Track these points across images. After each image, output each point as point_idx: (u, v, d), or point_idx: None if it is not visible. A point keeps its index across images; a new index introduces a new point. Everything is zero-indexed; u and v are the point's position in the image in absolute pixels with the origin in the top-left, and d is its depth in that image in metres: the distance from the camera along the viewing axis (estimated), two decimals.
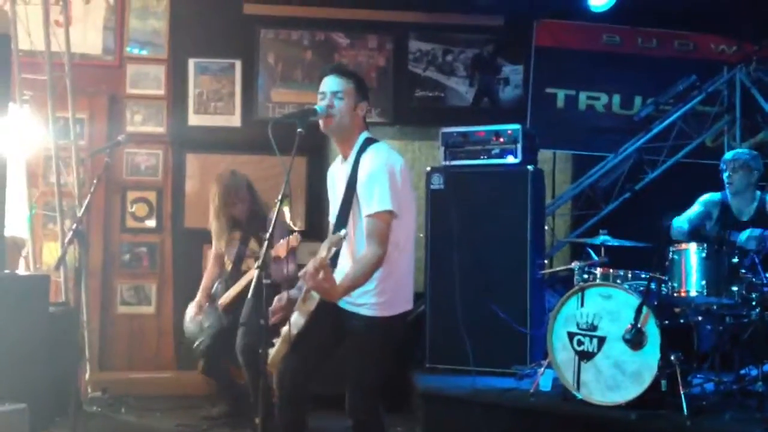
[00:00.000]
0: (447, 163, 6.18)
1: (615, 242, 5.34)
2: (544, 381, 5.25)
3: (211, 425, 5.78)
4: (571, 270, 5.42)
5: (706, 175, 5.86)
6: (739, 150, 5.84)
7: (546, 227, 6.56)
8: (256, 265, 3.43)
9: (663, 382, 4.66)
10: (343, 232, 3.45)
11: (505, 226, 5.95)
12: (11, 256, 6.04)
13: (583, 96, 7.49)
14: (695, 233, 5.49)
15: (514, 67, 7.64)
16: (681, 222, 5.57)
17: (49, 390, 5.24)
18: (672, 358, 4.64)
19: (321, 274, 3.35)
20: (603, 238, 5.37)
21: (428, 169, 6.25)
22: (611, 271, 5.18)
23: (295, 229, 5.84)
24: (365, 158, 3.65)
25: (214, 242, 5.89)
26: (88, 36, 7.25)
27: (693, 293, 4.96)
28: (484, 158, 6.11)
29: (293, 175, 3.55)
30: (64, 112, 6.54)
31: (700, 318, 5.13)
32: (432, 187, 6.17)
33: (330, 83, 3.71)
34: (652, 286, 4.91)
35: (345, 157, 3.78)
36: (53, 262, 6.58)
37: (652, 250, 5.18)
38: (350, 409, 3.70)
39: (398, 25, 7.57)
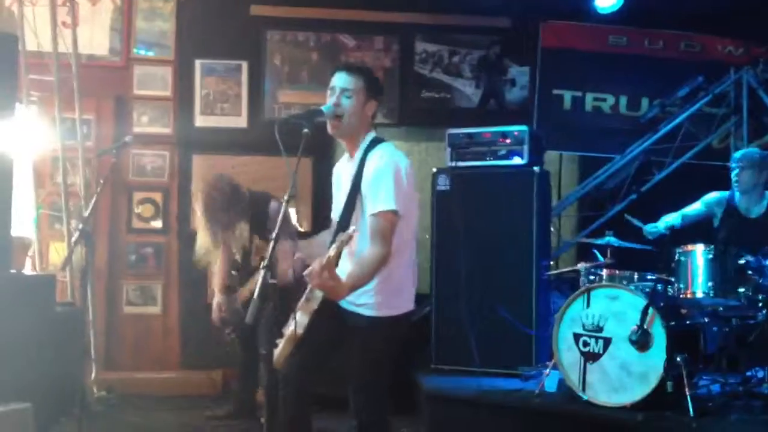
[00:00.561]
0: (453, 164, 6.17)
1: (621, 243, 5.33)
2: (550, 382, 5.24)
3: (217, 425, 5.79)
4: (577, 271, 5.42)
5: (712, 176, 5.86)
6: (750, 149, 5.85)
7: (552, 228, 6.56)
8: (262, 265, 3.41)
9: (669, 384, 4.65)
10: (352, 229, 3.43)
11: (511, 227, 5.95)
12: (18, 256, 6.05)
13: (589, 97, 7.49)
14: (696, 232, 5.48)
15: (521, 69, 7.64)
16: (672, 219, 5.55)
17: (54, 390, 5.24)
18: (678, 359, 4.63)
19: (326, 273, 3.36)
20: (609, 240, 5.36)
21: (434, 170, 6.25)
22: (617, 272, 5.18)
23: (301, 229, 5.83)
24: (371, 157, 3.65)
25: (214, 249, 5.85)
26: (95, 37, 7.28)
27: (699, 295, 4.95)
28: (490, 159, 6.11)
29: (299, 175, 3.55)
30: (71, 112, 6.56)
31: (706, 319, 5.13)
32: (438, 188, 6.17)
33: (340, 79, 3.70)
34: (659, 287, 4.90)
35: (351, 156, 3.78)
36: (59, 262, 6.61)
37: (658, 251, 5.18)
38: (355, 409, 3.70)
39: (404, 27, 7.57)
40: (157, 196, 7.30)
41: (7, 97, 5.38)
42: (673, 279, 5.07)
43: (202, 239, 5.55)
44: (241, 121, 7.43)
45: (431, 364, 6.08)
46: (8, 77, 5.37)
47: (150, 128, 7.30)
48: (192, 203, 7.16)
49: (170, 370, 7.08)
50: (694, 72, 7.13)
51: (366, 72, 3.80)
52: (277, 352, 3.64)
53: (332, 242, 3.52)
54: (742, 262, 4.90)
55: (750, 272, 4.88)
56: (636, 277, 5.14)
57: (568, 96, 7.48)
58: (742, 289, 4.86)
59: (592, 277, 5.26)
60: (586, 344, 4.96)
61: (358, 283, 3.50)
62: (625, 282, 5.07)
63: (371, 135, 3.75)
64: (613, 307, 4.91)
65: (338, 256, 3.38)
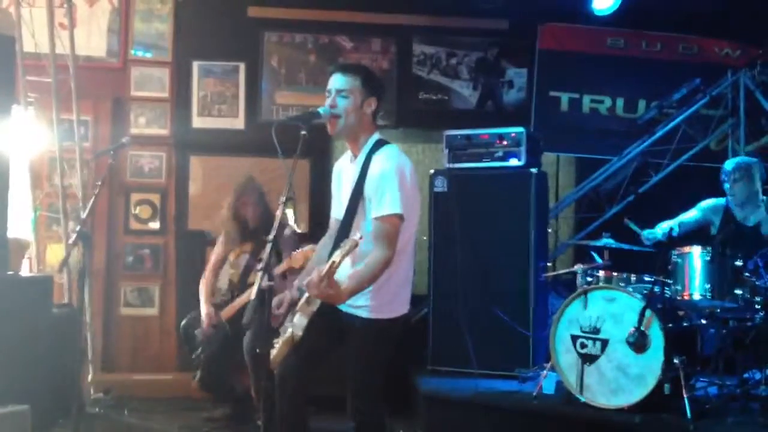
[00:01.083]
0: (450, 165, 6.18)
1: (618, 245, 5.33)
2: (547, 384, 5.24)
3: (214, 427, 5.78)
4: (575, 273, 5.42)
5: (710, 178, 5.85)
6: (738, 159, 5.78)
7: (549, 230, 6.55)
8: (259, 266, 3.41)
9: (666, 386, 4.66)
10: (358, 236, 3.42)
11: (509, 229, 5.95)
12: (15, 258, 6.04)
13: (586, 99, 7.49)
14: (694, 238, 5.48)
15: (518, 71, 7.64)
16: (669, 225, 5.55)
17: (51, 391, 5.24)
18: (675, 361, 4.64)
19: (324, 282, 3.35)
20: (606, 241, 5.36)
21: (432, 171, 6.25)
22: (615, 274, 5.18)
23: (299, 230, 5.82)
24: (376, 160, 3.64)
25: (218, 248, 5.89)
26: (93, 38, 7.27)
27: (696, 296, 4.96)
28: (487, 161, 6.11)
29: (297, 177, 3.55)
30: (69, 114, 6.56)
31: (703, 321, 5.13)
32: (435, 189, 6.17)
33: (335, 81, 3.70)
34: (656, 289, 4.91)
35: (355, 156, 3.77)
36: (57, 263, 6.60)
37: (655, 253, 5.18)
38: (352, 411, 3.71)
39: (402, 29, 7.57)
40: (155, 198, 7.29)
41: (5, 99, 5.39)
42: (670, 281, 5.07)
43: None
44: (238, 123, 7.43)
45: (428, 365, 6.07)
46: (5, 79, 5.37)
47: (147, 129, 7.29)
48: (189, 204, 7.22)
49: (168, 371, 7.07)
50: (692, 74, 7.14)
51: (362, 70, 3.80)
52: (274, 353, 3.64)
53: (334, 248, 3.52)
54: (739, 264, 4.90)
55: (747, 274, 4.89)
56: (633, 278, 5.14)
57: (565, 98, 7.48)
58: (739, 291, 4.87)
59: (589, 279, 5.26)
60: (583, 346, 4.97)
61: (360, 286, 3.50)
62: (622, 284, 5.08)
63: (375, 136, 3.74)
64: (611, 308, 4.91)
65: (340, 263, 3.37)
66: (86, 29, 7.20)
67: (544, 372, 5.24)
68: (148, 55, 7.35)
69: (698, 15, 7.08)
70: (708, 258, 4.95)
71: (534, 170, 6.00)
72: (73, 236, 4.38)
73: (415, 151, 7.52)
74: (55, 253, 6.82)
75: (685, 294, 4.99)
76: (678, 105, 7.17)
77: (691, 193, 5.89)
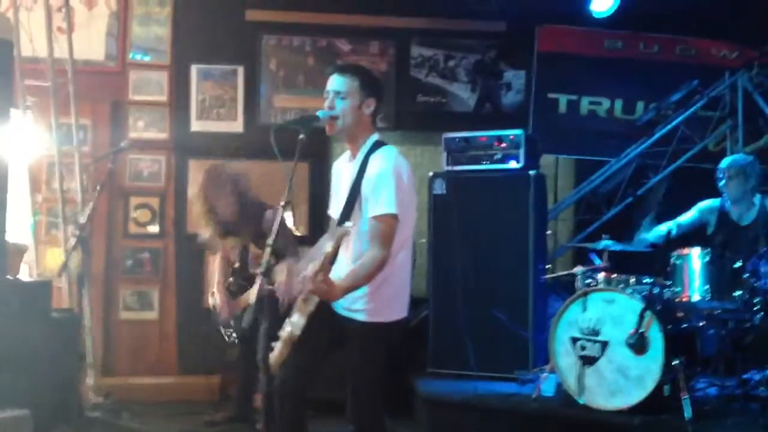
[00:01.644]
0: (449, 168, 6.18)
1: (617, 247, 5.34)
2: (547, 386, 5.24)
3: (214, 431, 5.78)
4: (574, 275, 5.42)
5: (708, 179, 5.86)
6: (734, 156, 5.84)
7: (548, 232, 6.55)
8: (259, 271, 3.41)
9: (666, 387, 4.66)
10: (349, 224, 3.43)
11: (508, 231, 5.95)
12: (14, 262, 6.04)
13: (585, 101, 7.49)
14: (692, 239, 5.50)
15: (516, 73, 7.65)
16: (667, 227, 5.56)
17: (51, 396, 5.24)
18: (675, 362, 4.64)
19: (320, 276, 3.36)
20: (605, 243, 5.36)
21: (430, 174, 6.25)
22: (614, 275, 5.18)
23: (298, 233, 5.82)
24: (374, 160, 3.65)
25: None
26: (91, 42, 7.26)
27: (696, 298, 4.97)
28: (486, 163, 6.11)
29: (296, 180, 3.56)
30: (67, 118, 6.56)
31: (703, 323, 5.13)
32: (434, 192, 6.17)
33: (333, 83, 3.71)
34: (655, 290, 4.91)
35: (353, 156, 3.78)
36: (56, 268, 6.57)
37: (654, 254, 5.19)
38: (352, 414, 3.71)
39: (400, 31, 7.58)
40: (154, 201, 7.29)
41: (3, 103, 5.38)
42: (669, 282, 5.08)
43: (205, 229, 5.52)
44: (237, 126, 7.43)
45: (428, 367, 6.08)
46: (4, 83, 5.37)
47: (146, 133, 7.29)
48: (189, 208, 7.21)
49: (167, 375, 7.07)
50: (690, 76, 7.13)
51: (360, 71, 3.80)
52: (273, 354, 3.64)
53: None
54: (738, 265, 4.91)
55: (746, 275, 4.90)
56: (633, 280, 5.14)
57: (563, 100, 7.48)
58: (738, 293, 4.88)
59: (588, 281, 5.26)
60: (583, 348, 4.97)
61: (355, 284, 3.51)
62: (621, 285, 5.08)
63: (374, 137, 3.75)
64: (610, 310, 4.92)
65: (335, 253, 3.38)
66: (84, 33, 7.19)
67: (544, 374, 5.25)
68: (147, 59, 7.35)
69: (696, 17, 7.08)
70: (707, 259, 4.96)
71: (533, 172, 6.00)
72: (73, 240, 4.38)
73: (413, 154, 7.50)
74: (55, 258, 6.81)
75: (684, 296, 5.00)
76: (676, 107, 7.17)
77: (690, 195, 5.90)
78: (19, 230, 6.30)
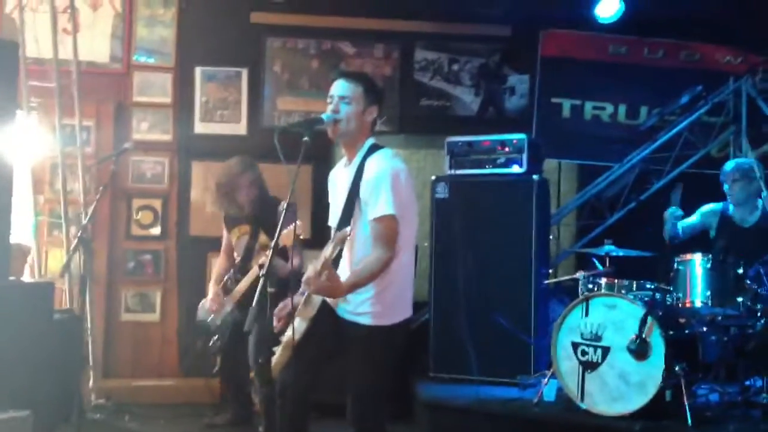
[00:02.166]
0: (452, 172, 6.18)
1: (620, 252, 5.33)
2: (548, 391, 5.24)
3: None
4: (576, 280, 5.42)
5: (711, 185, 5.86)
6: (738, 160, 5.86)
7: (551, 237, 6.55)
8: (261, 272, 3.41)
9: (667, 393, 4.66)
10: (348, 229, 3.45)
11: (510, 236, 5.95)
12: (16, 263, 6.05)
13: (588, 106, 7.48)
14: (695, 243, 5.50)
15: (520, 77, 7.64)
16: (678, 228, 5.56)
17: (52, 397, 5.23)
18: (676, 368, 4.64)
19: (324, 275, 3.37)
20: (608, 248, 5.36)
21: (433, 177, 6.25)
22: (616, 281, 5.18)
23: (300, 236, 5.81)
24: (370, 163, 3.66)
25: (224, 233, 5.84)
26: (96, 44, 7.27)
27: (698, 304, 4.96)
28: (489, 167, 6.12)
29: (299, 183, 3.56)
30: (71, 119, 6.57)
31: (704, 329, 5.12)
32: (437, 196, 6.17)
33: (338, 87, 3.72)
34: (657, 296, 4.91)
35: (350, 161, 3.79)
36: (58, 269, 6.59)
37: (657, 260, 5.18)
38: (353, 417, 3.70)
39: (404, 35, 7.58)
40: (157, 203, 7.29)
41: (8, 104, 5.39)
42: (671, 288, 5.08)
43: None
44: (240, 128, 7.43)
45: (429, 372, 6.07)
46: (8, 84, 5.37)
47: (150, 135, 7.29)
48: (191, 210, 7.22)
49: (169, 377, 7.07)
50: (694, 81, 7.12)
51: (365, 78, 3.82)
52: (274, 359, 3.65)
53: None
54: (740, 271, 4.90)
55: (748, 281, 4.89)
56: (635, 285, 5.14)
57: (567, 104, 7.48)
58: (740, 299, 4.87)
59: (590, 286, 5.26)
60: (584, 353, 4.97)
61: (358, 281, 3.52)
62: (623, 291, 5.08)
63: (370, 141, 3.76)
64: (612, 316, 4.91)
65: (332, 256, 3.39)
66: (89, 35, 7.20)
67: (545, 379, 5.25)
68: (151, 61, 7.35)
69: (700, 22, 7.08)
70: (709, 265, 4.95)
71: (536, 177, 6.00)
72: (75, 242, 4.38)
73: (416, 158, 7.51)
74: (57, 259, 6.82)
75: (686, 301, 4.99)
76: (680, 112, 7.17)
77: (693, 200, 5.89)
78: (22, 231, 6.31)
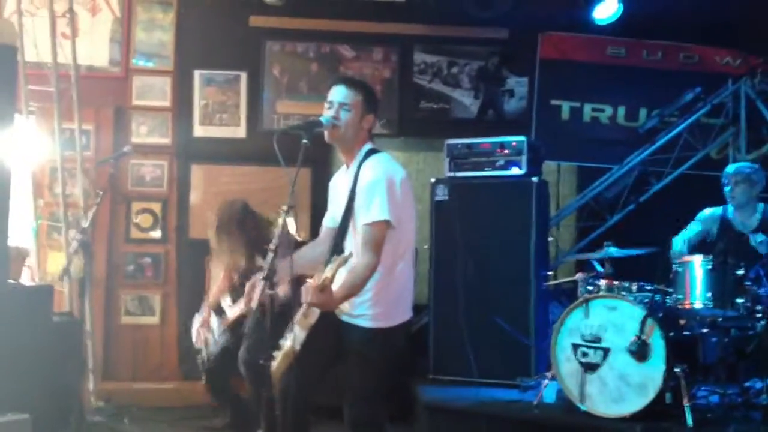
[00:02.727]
0: (452, 174, 6.18)
1: (620, 254, 5.33)
2: (548, 393, 5.23)
3: None
4: (576, 281, 5.42)
5: (711, 186, 5.86)
6: (740, 163, 5.86)
7: (550, 239, 6.55)
8: (261, 276, 3.42)
9: (668, 395, 4.65)
10: (348, 253, 3.48)
11: (510, 238, 5.95)
12: (16, 267, 6.04)
13: (587, 108, 7.49)
14: (697, 249, 5.49)
15: (519, 79, 7.65)
16: (680, 244, 5.56)
17: (52, 400, 5.23)
18: (677, 370, 4.64)
19: (323, 293, 3.41)
20: (609, 251, 5.36)
21: (433, 180, 6.25)
22: (616, 282, 5.17)
23: (300, 239, 5.81)
24: (365, 168, 3.68)
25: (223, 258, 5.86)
26: (95, 48, 7.29)
27: (698, 305, 4.95)
28: (488, 170, 6.11)
29: (298, 186, 3.56)
30: (70, 123, 6.57)
31: (705, 330, 5.11)
32: (436, 198, 6.17)
33: (338, 93, 3.73)
34: (657, 297, 4.91)
35: (348, 167, 3.81)
36: (58, 272, 6.58)
37: (656, 261, 5.18)
38: (352, 420, 3.70)
39: (403, 38, 7.59)
40: (156, 207, 7.29)
41: (7, 108, 5.38)
42: (671, 289, 5.07)
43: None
44: (239, 132, 7.44)
45: (429, 374, 6.06)
46: (7, 88, 5.37)
47: (149, 138, 7.30)
48: (190, 213, 7.22)
49: (168, 380, 7.07)
50: (693, 83, 7.14)
51: (363, 86, 3.85)
52: (274, 365, 3.65)
53: (329, 261, 3.55)
54: (740, 272, 4.90)
55: (749, 283, 4.89)
56: (635, 287, 5.13)
57: (566, 106, 7.49)
58: (740, 300, 4.86)
59: (590, 288, 5.25)
60: (584, 355, 4.96)
61: (349, 292, 3.54)
62: (623, 292, 5.07)
63: (367, 146, 3.78)
64: (612, 317, 4.91)
65: (333, 277, 3.41)
66: (88, 39, 7.22)
67: (545, 381, 5.24)
68: (150, 65, 7.36)
69: (699, 24, 7.10)
70: (709, 267, 4.94)
71: (535, 179, 6.00)
72: (74, 245, 4.38)
73: (416, 160, 7.52)
74: (56, 262, 6.82)
75: (686, 303, 4.98)
76: (679, 114, 7.18)
77: (692, 202, 5.89)
78: (21, 234, 6.30)
